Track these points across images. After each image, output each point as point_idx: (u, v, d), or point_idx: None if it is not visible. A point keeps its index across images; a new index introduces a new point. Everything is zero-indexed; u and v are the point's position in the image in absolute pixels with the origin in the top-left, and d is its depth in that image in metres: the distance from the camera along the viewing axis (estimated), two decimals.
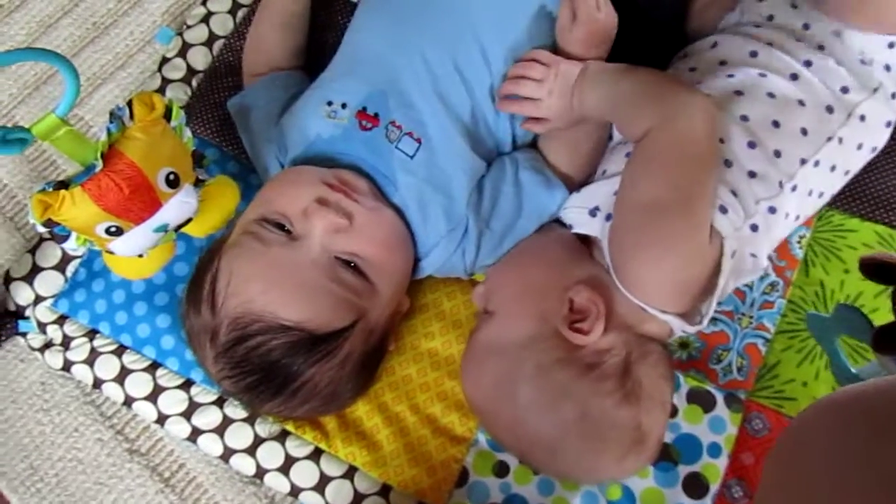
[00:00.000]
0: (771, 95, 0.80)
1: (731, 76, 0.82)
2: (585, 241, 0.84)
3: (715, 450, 0.86)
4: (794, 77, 0.81)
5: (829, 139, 0.80)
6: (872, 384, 0.44)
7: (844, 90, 0.81)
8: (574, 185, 0.86)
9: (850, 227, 0.92)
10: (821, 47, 0.82)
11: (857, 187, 0.93)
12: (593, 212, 0.81)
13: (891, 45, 0.81)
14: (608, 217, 0.78)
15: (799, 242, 0.92)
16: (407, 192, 0.82)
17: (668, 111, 0.73)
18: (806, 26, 0.84)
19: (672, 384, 0.79)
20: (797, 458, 0.44)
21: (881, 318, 0.86)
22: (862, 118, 0.81)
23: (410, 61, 0.84)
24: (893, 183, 0.93)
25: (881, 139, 0.85)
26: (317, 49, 1.02)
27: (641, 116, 0.74)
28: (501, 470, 0.88)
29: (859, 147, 0.83)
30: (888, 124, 0.84)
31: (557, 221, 0.87)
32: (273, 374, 0.76)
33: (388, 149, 0.82)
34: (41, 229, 0.73)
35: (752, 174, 0.77)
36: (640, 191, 0.74)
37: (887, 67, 0.82)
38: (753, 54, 0.83)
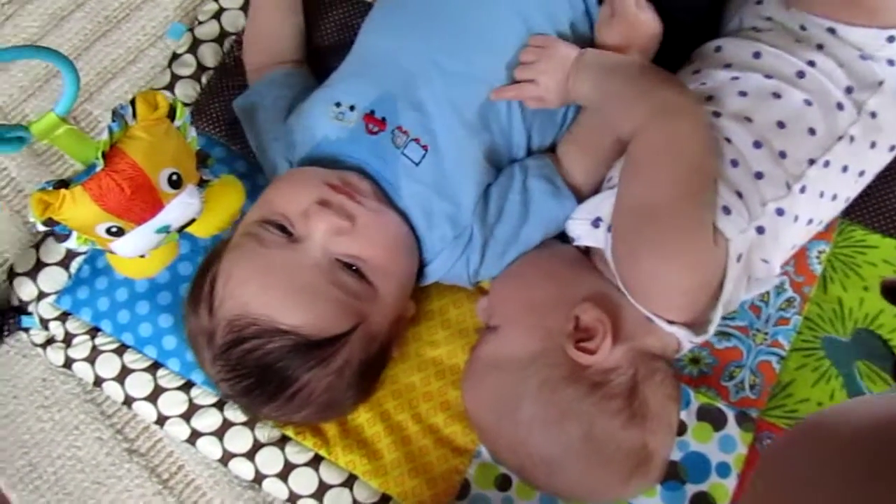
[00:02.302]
0: (776, 96, 0.78)
1: (735, 78, 0.80)
2: (588, 257, 0.83)
3: (724, 469, 0.84)
4: (801, 75, 0.79)
5: (840, 138, 0.78)
6: (869, 416, 0.41)
7: (849, 90, 0.79)
8: (587, 195, 0.84)
9: (871, 243, 0.90)
10: (820, 46, 0.80)
11: (879, 201, 0.90)
12: (596, 223, 0.79)
13: (890, 39, 0.78)
14: (610, 228, 0.77)
15: (818, 258, 0.89)
16: (411, 199, 0.81)
17: (655, 109, 0.72)
18: (802, 27, 0.82)
19: (678, 404, 0.78)
20: (786, 491, 0.42)
21: None
22: (873, 115, 0.79)
23: (424, 65, 0.82)
24: None
25: None
26: (328, 49, 1.01)
27: (629, 112, 0.74)
28: (504, 483, 0.86)
29: (873, 146, 0.80)
30: None
31: (561, 235, 0.85)
32: (268, 378, 0.74)
33: (393, 154, 0.81)
34: (41, 228, 0.72)
35: (758, 175, 0.75)
36: (631, 195, 0.73)
37: (890, 62, 0.79)
38: (757, 55, 0.81)
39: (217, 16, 1.05)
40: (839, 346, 0.76)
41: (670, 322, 0.73)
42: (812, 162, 0.77)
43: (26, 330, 0.95)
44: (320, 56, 1.00)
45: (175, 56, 1.04)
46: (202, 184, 0.78)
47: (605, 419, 0.72)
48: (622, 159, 0.81)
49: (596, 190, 0.85)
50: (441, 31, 0.83)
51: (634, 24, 0.81)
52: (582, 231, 0.81)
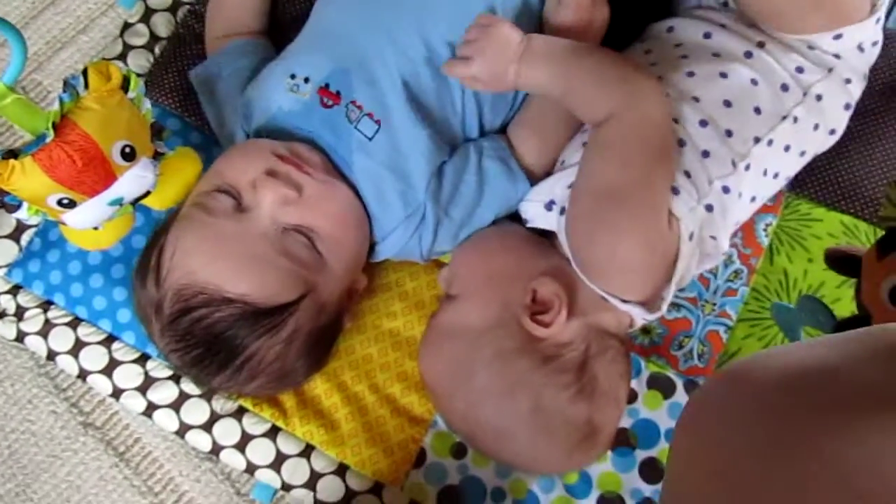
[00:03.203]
0: (723, 75, 0.79)
1: (684, 57, 0.81)
2: (545, 234, 0.83)
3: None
4: (749, 55, 0.80)
5: (784, 118, 0.79)
6: (785, 364, 0.42)
7: (799, 70, 0.80)
8: (539, 176, 0.84)
9: (816, 217, 0.92)
10: (770, 35, 0.81)
11: (824, 175, 0.93)
12: (549, 205, 0.80)
13: (836, 37, 0.80)
14: (563, 211, 0.78)
15: (765, 230, 0.92)
16: (362, 174, 0.81)
17: (630, 95, 0.72)
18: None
19: (628, 382, 0.79)
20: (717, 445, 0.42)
21: (843, 308, 0.88)
22: (818, 98, 0.80)
23: (380, 41, 0.81)
24: (860, 172, 0.93)
25: (839, 122, 0.84)
26: (289, 21, 0.99)
27: (603, 99, 0.73)
28: (459, 451, 0.88)
29: (815, 128, 0.82)
30: (847, 106, 0.83)
31: (515, 216, 0.86)
32: (217, 347, 0.74)
33: (347, 129, 0.81)
34: None
35: (705, 153, 0.76)
36: (598, 178, 0.73)
37: (837, 56, 0.81)
38: (707, 35, 0.82)
39: None
40: (787, 312, 0.78)
41: (624, 301, 0.74)
42: (757, 140, 0.78)
43: None
44: (281, 28, 0.99)
45: (127, 25, 1.01)
46: (157, 156, 0.77)
47: (554, 392, 0.74)
48: (574, 141, 0.83)
49: (547, 172, 0.85)
50: (396, 6, 0.82)
51: (580, 10, 0.81)
52: (535, 213, 0.82)
